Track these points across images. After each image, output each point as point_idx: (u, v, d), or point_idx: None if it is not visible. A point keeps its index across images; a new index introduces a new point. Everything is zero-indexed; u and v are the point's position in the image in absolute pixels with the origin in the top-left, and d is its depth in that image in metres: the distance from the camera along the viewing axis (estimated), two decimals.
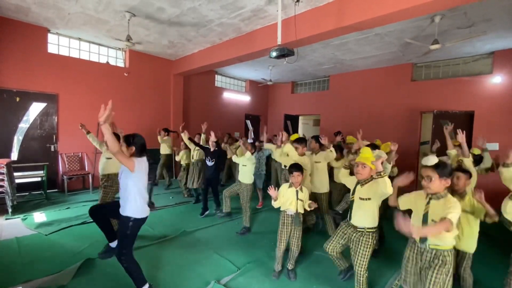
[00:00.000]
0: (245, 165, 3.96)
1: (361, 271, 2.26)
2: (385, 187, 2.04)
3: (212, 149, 4.58)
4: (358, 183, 2.33)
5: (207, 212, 4.58)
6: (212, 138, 4.46)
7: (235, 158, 4.19)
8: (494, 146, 5.63)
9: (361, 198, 2.27)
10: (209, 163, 4.56)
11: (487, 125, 5.79)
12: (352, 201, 2.35)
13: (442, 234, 1.76)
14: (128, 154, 2.16)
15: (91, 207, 2.65)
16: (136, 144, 2.22)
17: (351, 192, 2.41)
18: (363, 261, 2.24)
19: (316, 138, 3.74)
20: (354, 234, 2.31)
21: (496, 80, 5.74)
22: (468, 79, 6.11)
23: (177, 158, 5.82)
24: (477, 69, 6.14)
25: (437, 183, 1.83)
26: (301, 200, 2.69)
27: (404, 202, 2.09)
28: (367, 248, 2.24)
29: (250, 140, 4.43)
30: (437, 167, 1.87)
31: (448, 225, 1.62)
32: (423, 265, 1.89)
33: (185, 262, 2.96)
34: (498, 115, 5.67)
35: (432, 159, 1.96)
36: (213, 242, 3.50)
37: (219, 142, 4.97)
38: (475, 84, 6.01)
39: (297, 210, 2.67)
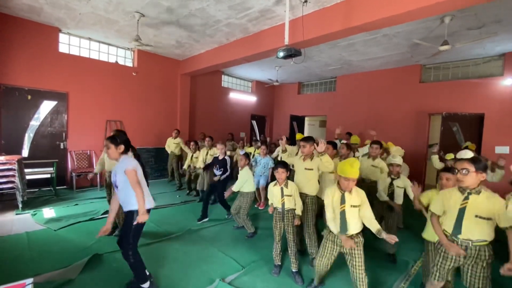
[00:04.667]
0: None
1: (363, 272, 2.18)
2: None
3: (221, 157, 4.36)
4: (344, 191, 2.19)
5: (205, 220, 4.19)
6: (220, 146, 4.38)
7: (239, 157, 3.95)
8: (504, 149, 5.53)
9: (353, 206, 2.16)
10: (217, 172, 4.35)
11: (498, 128, 5.69)
12: (342, 212, 2.16)
13: (489, 230, 1.80)
14: (118, 153, 2.22)
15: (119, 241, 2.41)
16: (124, 143, 2.26)
17: (336, 203, 2.20)
18: (363, 262, 2.17)
19: (332, 143, 3.59)
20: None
21: (508, 82, 5.63)
22: (478, 81, 6.01)
23: (185, 166, 5.71)
24: (487, 71, 6.04)
25: (473, 176, 1.81)
26: (289, 196, 2.70)
27: (439, 207, 2.01)
28: (362, 248, 2.18)
29: (241, 152, 4.02)
30: (472, 160, 1.86)
31: None
32: (466, 262, 1.87)
33: (190, 260, 2.98)
34: (509, 118, 5.57)
35: (469, 153, 1.90)
36: (218, 241, 3.52)
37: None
38: (485, 86, 5.91)
39: (283, 206, 2.69)
